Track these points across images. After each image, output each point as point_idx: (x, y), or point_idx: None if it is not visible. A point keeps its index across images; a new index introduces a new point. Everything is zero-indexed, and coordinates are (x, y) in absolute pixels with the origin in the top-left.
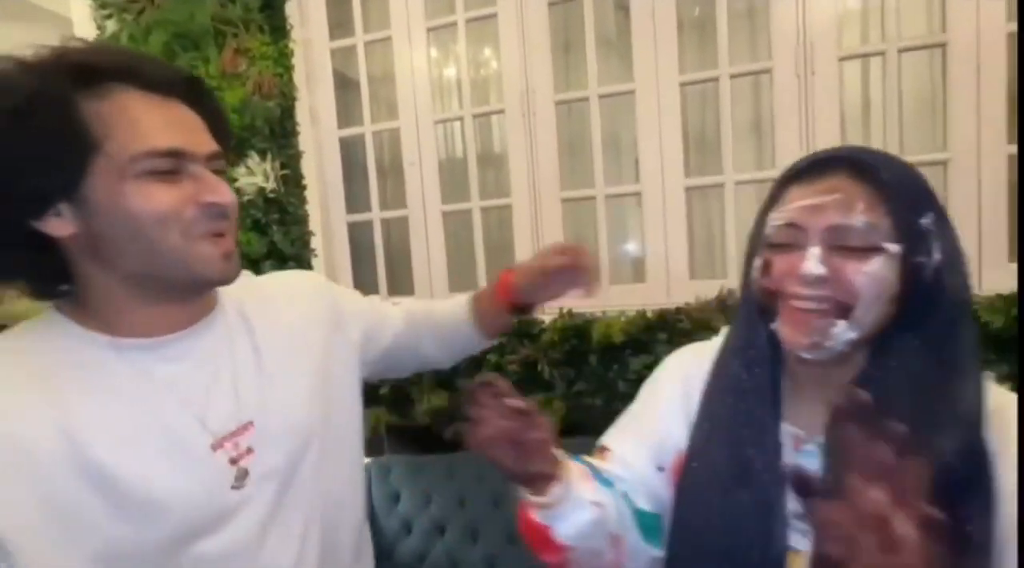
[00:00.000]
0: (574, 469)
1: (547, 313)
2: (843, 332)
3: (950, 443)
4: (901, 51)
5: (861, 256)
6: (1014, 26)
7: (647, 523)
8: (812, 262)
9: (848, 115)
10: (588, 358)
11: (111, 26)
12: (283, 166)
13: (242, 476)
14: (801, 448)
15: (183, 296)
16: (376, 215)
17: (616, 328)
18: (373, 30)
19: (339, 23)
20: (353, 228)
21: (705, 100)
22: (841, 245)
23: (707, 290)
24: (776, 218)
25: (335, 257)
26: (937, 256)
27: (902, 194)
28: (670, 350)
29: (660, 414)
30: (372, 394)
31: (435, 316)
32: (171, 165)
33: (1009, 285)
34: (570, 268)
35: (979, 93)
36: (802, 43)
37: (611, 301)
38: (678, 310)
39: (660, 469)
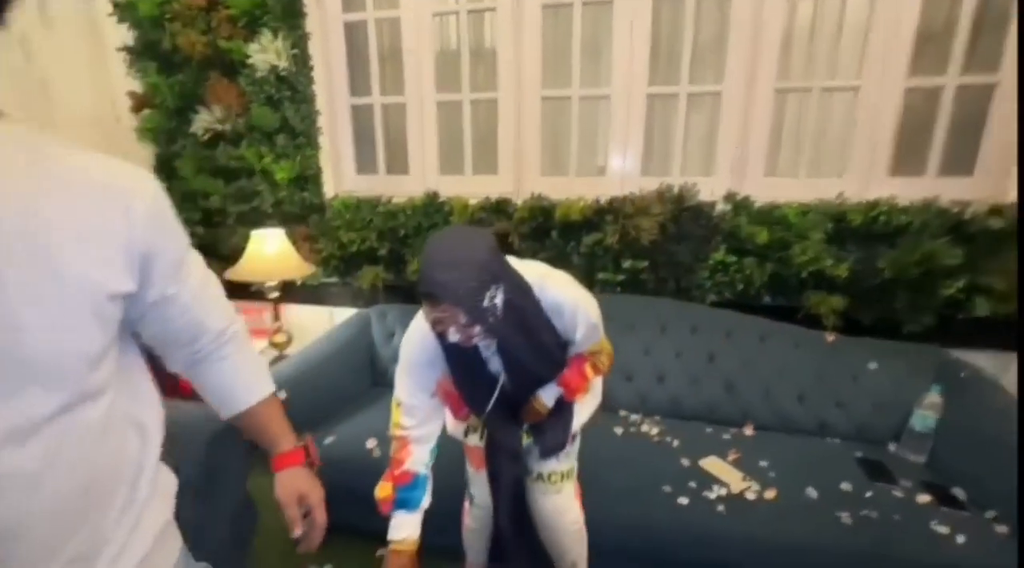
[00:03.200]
0: (415, 527)
1: (519, 195)
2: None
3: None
4: None
5: (468, 329)
6: None
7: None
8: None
9: (797, 33)
10: (551, 233)
11: None
12: (292, 46)
13: None
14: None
15: None
16: (377, 100)
17: (575, 210)
18: None
19: None
20: (356, 110)
21: (675, 14)
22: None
23: (652, 185)
24: (429, 316)
25: (338, 136)
26: (499, 301)
27: (468, 302)
28: (615, 230)
29: (419, 364)
30: (371, 255)
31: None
32: None
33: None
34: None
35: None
36: None
37: (574, 189)
38: (624, 198)
39: (433, 395)
